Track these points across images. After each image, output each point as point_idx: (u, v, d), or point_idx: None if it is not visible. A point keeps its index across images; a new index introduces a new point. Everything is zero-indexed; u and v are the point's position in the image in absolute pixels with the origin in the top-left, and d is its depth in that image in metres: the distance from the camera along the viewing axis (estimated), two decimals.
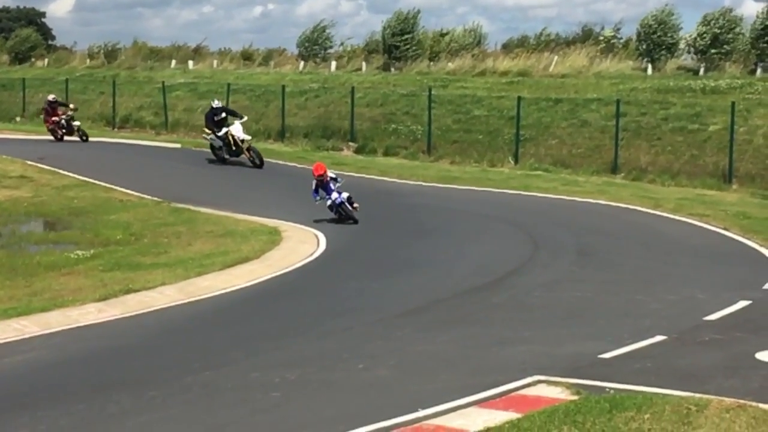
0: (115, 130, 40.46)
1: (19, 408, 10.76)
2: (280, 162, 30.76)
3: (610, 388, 10.07)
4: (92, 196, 25.71)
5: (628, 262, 17.48)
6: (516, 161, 30.60)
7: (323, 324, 13.84)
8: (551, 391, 10.21)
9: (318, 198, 21.55)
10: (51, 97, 36.73)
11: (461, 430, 9.06)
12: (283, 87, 37.63)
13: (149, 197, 25.19)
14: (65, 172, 28.60)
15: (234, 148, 29.45)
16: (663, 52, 38.41)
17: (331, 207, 21.39)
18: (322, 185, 21.42)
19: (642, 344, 11.96)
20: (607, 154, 29.48)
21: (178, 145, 35.38)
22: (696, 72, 36.46)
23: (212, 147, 30.49)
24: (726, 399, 9.39)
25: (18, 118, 44.21)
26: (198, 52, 52.28)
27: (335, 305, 14.95)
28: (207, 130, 30.41)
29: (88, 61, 54.36)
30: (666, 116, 30.35)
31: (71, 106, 36.57)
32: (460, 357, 11.93)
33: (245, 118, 30.41)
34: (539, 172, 28.94)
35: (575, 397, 9.81)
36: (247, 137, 29.67)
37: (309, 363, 11.89)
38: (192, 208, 23.37)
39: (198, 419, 10.16)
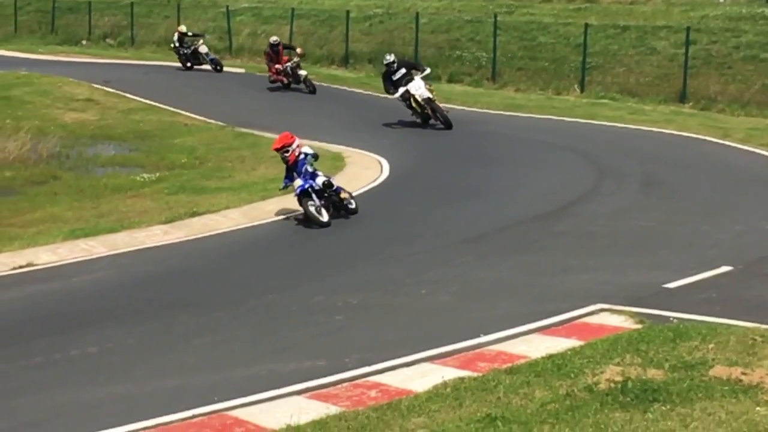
0: None
1: (87, 326, 11.01)
2: (344, 88, 30.62)
3: (674, 318, 10.01)
4: (157, 119, 25.90)
5: (695, 192, 17.24)
6: (582, 89, 30.17)
7: (386, 249, 13.90)
8: (614, 319, 10.18)
9: (284, 186, 15.83)
10: (273, 39, 30.00)
11: (523, 357, 9.08)
12: (348, 12, 37.37)
13: (213, 121, 25.31)
14: (131, 96, 28.79)
15: (420, 110, 23.50)
16: None
17: (299, 199, 15.55)
18: (294, 165, 15.63)
19: (707, 275, 11.84)
20: (676, 83, 28.95)
21: (242, 70, 35.38)
22: None
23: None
24: None
25: (84, 42, 44.46)
26: None
27: (398, 231, 14.97)
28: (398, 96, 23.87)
29: None
30: (737, 45, 29.66)
31: (298, 50, 29.76)
32: (522, 284, 11.92)
33: (428, 70, 24.59)
34: (605, 101, 28.53)
35: (639, 326, 9.78)
36: (429, 94, 23.47)
37: (372, 288, 11.97)
38: (256, 132, 23.45)
39: (262, 340, 10.30)
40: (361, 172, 19.06)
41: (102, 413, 8.46)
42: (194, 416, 8.16)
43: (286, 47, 30.14)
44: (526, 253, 13.43)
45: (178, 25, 36.39)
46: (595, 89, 29.83)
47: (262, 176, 18.84)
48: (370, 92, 29.34)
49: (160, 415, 8.19)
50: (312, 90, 28.91)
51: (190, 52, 34.32)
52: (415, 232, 14.85)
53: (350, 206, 15.80)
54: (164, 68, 35.38)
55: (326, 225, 15.21)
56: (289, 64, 29.30)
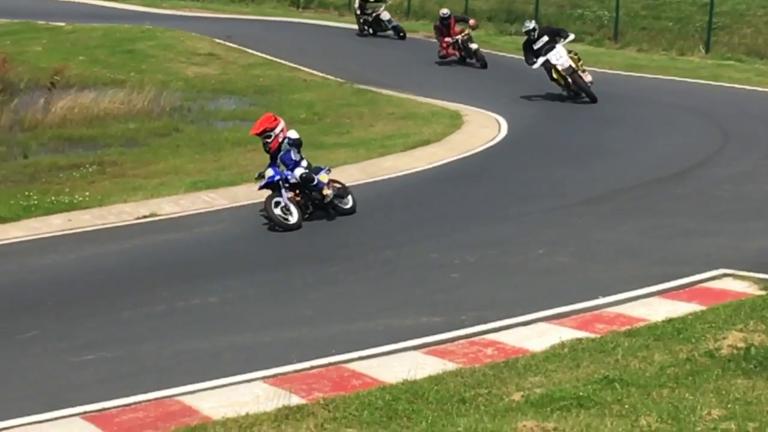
0: (300, 10, 40.77)
1: (209, 275, 11.24)
2: None
3: None
4: (277, 75, 26.11)
5: None
6: (707, 50, 29.40)
7: (503, 208, 13.82)
8: (737, 285, 9.96)
9: (259, 174, 13.46)
10: (444, 11, 27.25)
11: (642, 320, 8.97)
12: None
13: (332, 78, 25.42)
14: (252, 51, 29.07)
15: (563, 82, 21.53)
16: None
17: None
18: (277, 152, 13.30)
19: None
20: None
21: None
22: None
23: None
24: None
25: None
26: None
27: (515, 190, 14.88)
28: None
29: None
30: None
31: (471, 22, 26.98)
32: (642, 247, 11.74)
33: (571, 37, 22.34)
34: (731, 62, 27.75)
35: (763, 293, 9.56)
36: (571, 63, 21.35)
37: (488, 246, 11.94)
38: (374, 89, 23.48)
39: (378, 295, 10.38)
40: (479, 130, 18.95)
41: (221, 362, 8.63)
42: (312, 367, 8.26)
43: (458, 19, 27.34)
44: (646, 215, 13.20)
45: None
46: (721, 50, 29.02)
47: (379, 133, 18.88)
48: (488, 50, 29.09)
49: (279, 366, 8.32)
50: (483, 64, 26.34)
51: (372, 19, 31.76)
52: (532, 191, 14.73)
53: (343, 206, 13.52)
54: (284, 24, 35.64)
55: (292, 228, 12.82)
56: (459, 36, 26.65)
